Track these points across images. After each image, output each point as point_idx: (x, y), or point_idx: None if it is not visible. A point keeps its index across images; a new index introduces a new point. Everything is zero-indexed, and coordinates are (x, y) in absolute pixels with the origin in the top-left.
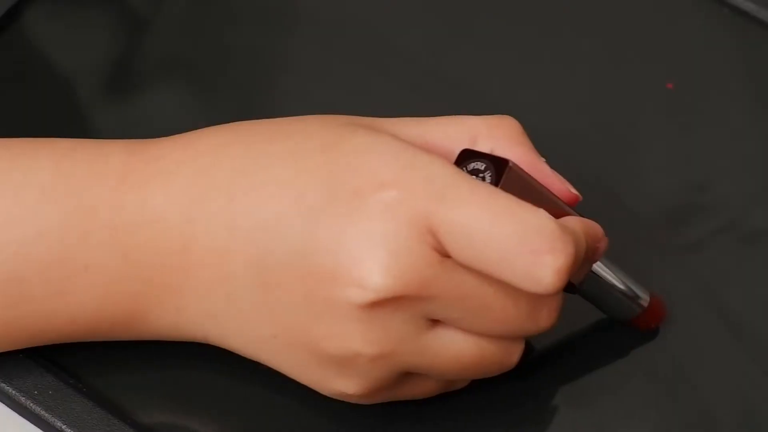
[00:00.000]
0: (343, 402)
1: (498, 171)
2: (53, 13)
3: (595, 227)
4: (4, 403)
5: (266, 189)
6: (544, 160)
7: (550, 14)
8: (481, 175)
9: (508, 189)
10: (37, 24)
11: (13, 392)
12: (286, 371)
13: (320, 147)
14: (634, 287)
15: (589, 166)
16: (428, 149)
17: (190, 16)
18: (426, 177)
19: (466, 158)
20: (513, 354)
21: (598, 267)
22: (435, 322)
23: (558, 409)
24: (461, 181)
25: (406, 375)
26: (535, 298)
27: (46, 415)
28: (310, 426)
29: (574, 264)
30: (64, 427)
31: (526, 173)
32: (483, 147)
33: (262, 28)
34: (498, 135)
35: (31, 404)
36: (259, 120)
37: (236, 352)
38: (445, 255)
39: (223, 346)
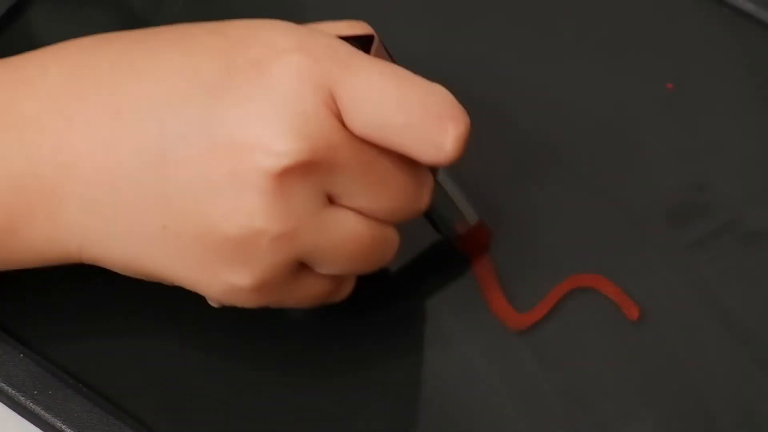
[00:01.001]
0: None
1: (365, 49)
2: (53, 13)
3: None
4: (4, 403)
5: (155, 73)
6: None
7: (550, 14)
8: None
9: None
10: (37, 24)
11: (13, 392)
12: (169, 272)
13: (207, 31)
14: (467, 205)
15: (589, 166)
16: None
17: (190, 16)
18: (328, 45)
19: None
20: (393, 244)
21: (441, 173)
22: (332, 202)
23: (558, 409)
24: (361, 53)
25: (299, 270)
26: (420, 177)
27: (46, 415)
28: (311, 425)
29: (468, 135)
30: (64, 427)
31: (389, 53)
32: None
33: None
34: (357, 31)
35: (31, 404)
36: None
37: (113, 266)
38: (341, 121)
39: (98, 259)
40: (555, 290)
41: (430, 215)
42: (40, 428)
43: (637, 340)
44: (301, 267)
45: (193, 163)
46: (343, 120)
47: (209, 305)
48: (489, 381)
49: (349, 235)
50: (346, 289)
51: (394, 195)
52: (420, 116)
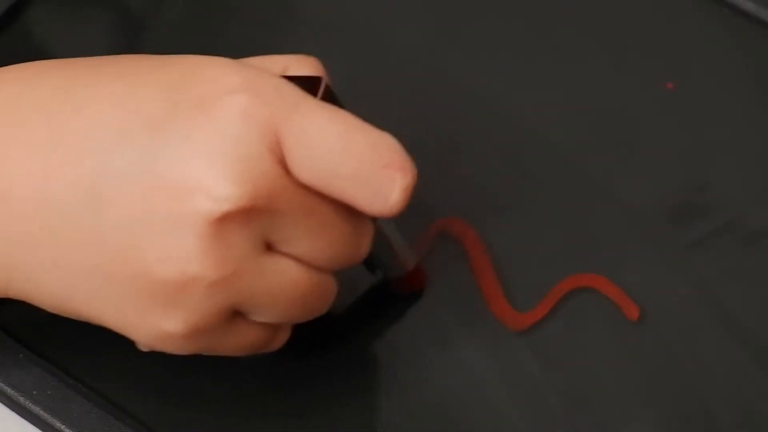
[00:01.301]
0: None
1: (313, 90)
2: (52, 13)
3: None
4: (3, 403)
5: (96, 105)
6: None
7: (550, 14)
8: None
9: None
10: (37, 24)
11: (13, 392)
12: (99, 312)
13: (152, 65)
14: (406, 248)
15: (589, 166)
16: None
17: (190, 16)
18: (275, 86)
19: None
20: (331, 292)
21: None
22: (271, 248)
23: (558, 409)
24: (309, 96)
25: (234, 317)
26: (361, 225)
27: (46, 415)
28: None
29: (414, 185)
30: (63, 427)
31: (336, 96)
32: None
33: (262, 28)
34: (304, 68)
35: (31, 404)
36: None
37: (41, 303)
38: (285, 166)
39: (26, 295)
40: (555, 290)
41: (368, 260)
42: (40, 428)
43: (637, 340)
44: (236, 314)
45: (130, 202)
46: (287, 165)
47: None
48: (489, 381)
49: (287, 283)
50: (282, 338)
51: (335, 243)
52: (367, 166)
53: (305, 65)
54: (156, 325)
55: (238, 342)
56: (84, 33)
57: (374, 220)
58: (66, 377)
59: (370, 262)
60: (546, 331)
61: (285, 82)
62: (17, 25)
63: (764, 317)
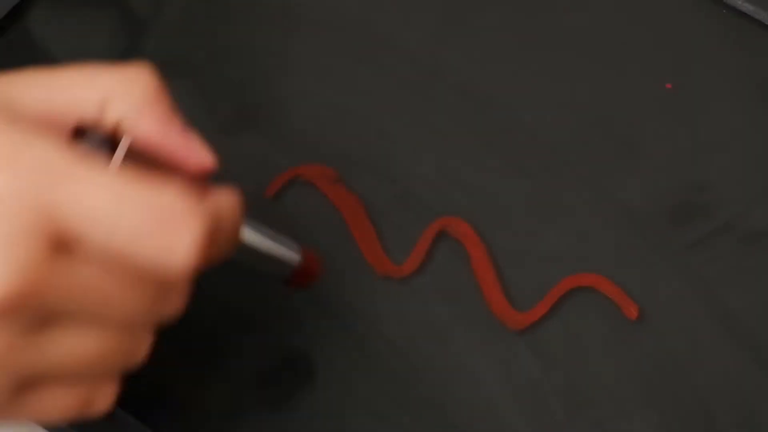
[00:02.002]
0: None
1: (113, 146)
2: (54, 14)
3: (230, 198)
4: None
5: None
6: (179, 120)
7: (550, 14)
8: (96, 151)
9: (128, 163)
10: (38, 25)
11: None
12: None
13: None
14: (285, 246)
15: (589, 165)
16: (54, 117)
17: (190, 16)
18: (40, 160)
19: (80, 134)
20: (141, 343)
21: (246, 233)
22: (47, 320)
23: (558, 409)
24: (80, 163)
25: (28, 386)
26: (161, 281)
27: None
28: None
29: (208, 237)
30: (64, 427)
31: (153, 141)
32: (116, 109)
33: (262, 28)
34: (133, 94)
35: None
36: None
37: None
38: (59, 246)
39: None
40: (555, 290)
41: (253, 269)
42: (44, 427)
43: (637, 340)
44: (30, 385)
45: None
46: (60, 240)
47: (210, 306)
48: (489, 381)
49: (76, 353)
50: (107, 396)
51: (125, 308)
52: (146, 230)
53: (135, 87)
54: None
55: (50, 407)
56: (85, 34)
57: (239, 237)
58: None
59: (255, 271)
60: (546, 331)
61: (55, 153)
62: (19, 26)
63: (764, 317)
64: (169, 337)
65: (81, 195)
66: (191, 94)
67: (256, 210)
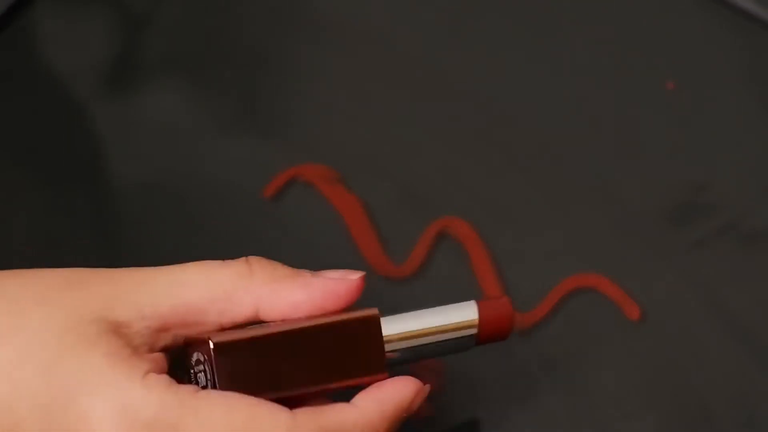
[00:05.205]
0: None
1: (211, 367)
2: (54, 12)
3: (396, 390)
4: None
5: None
6: (308, 273)
7: (550, 14)
8: (201, 366)
9: (231, 371)
10: (38, 23)
11: None
12: None
13: (39, 368)
14: (451, 323)
15: (589, 165)
16: (182, 311)
17: (190, 16)
18: (146, 425)
19: (188, 346)
20: None
21: (405, 343)
22: None
23: (558, 409)
24: (186, 414)
25: None
26: None
27: None
28: None
29: None
30: None
31: (298, 309)
32: (243, 302)
33: (262, 28)
34: (254, 287)
35: None
36: None
37: None
38: None
39: None
40: (555, 290)
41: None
42: None
43: (637, 340)
44: None
45: None
46: None
47: None
48: (489, 381)
49: None
50: None
51: None
52: None
53: (253, 276)
54: None
55: None
56: (84, 33)
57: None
58: None
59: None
60: (546, 331)
61: (160, 412)
62: (18, 24)
63: (764, 317)
64: None
65: None
66: (191, 94)
67: (256, 210)
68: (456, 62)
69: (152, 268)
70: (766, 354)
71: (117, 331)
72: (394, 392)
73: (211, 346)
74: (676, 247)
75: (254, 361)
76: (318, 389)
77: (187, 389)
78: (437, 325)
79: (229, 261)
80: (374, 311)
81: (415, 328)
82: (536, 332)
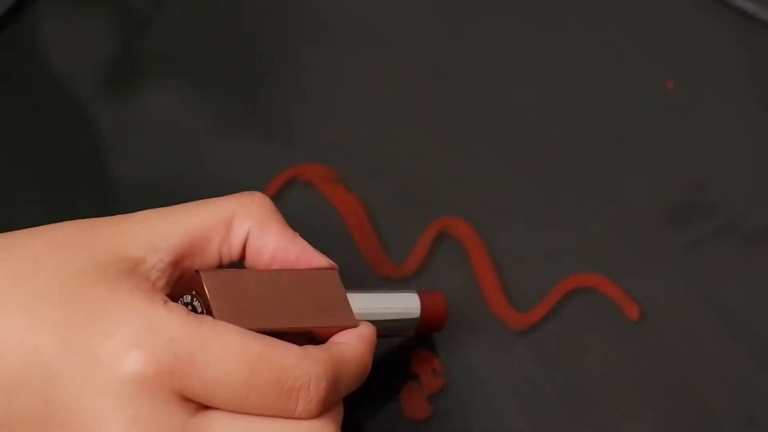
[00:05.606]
0: None
1: (203, 301)
2: (54, 12)
3: (354, 342)
4: None
5: None
6: (297, 234)
7: (550, 14)
8: (191, 306)
9: (224, 306)
10: (39, 22)
11: None
12: None
13: (58, 302)
14: (399, 307)
15: (589, 165)
16: (189, 240)
17: (190, 16)
18: (171, 340)
19: (181, 289)
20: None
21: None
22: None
23: (558, 409)
24: (207, 337)
25: None
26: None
27: None
28: None
29: (332, 386)
30: None
31: (277, 254)
32: (240, 228)
33: (262, 28)
34: (253, 213)
35: None
36: None
37: None
38: (191, 407)
39: None
40: (555, 290)
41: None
42: None
43: (637, 340)
44: None
45: None
46: (192, 401)
47: None
48: (489, 381)
49: None
50: None
51: None
52: (275, 396)
53: (252, 207)
54: None
55: None
56: (84, 33)
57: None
58: None
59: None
60: (546, 331)
61: (182, 330)
62: (19, 23)
63: (764, 317)
64: None
65: (211, 368)
66: (191, 94)
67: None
68: (456, 62)
69: (157, 208)
70: (766, 354)
71: (134, 269)
72: (370, 331)
73: (203, 276)
74: (676, 247)
75: (242, 296)
76: (301, 330)
77: (205, 317)
78: (385, 308)
79: (234, 194)
80: (333, 266)
81: (368, 306)
82: (536, 332)
